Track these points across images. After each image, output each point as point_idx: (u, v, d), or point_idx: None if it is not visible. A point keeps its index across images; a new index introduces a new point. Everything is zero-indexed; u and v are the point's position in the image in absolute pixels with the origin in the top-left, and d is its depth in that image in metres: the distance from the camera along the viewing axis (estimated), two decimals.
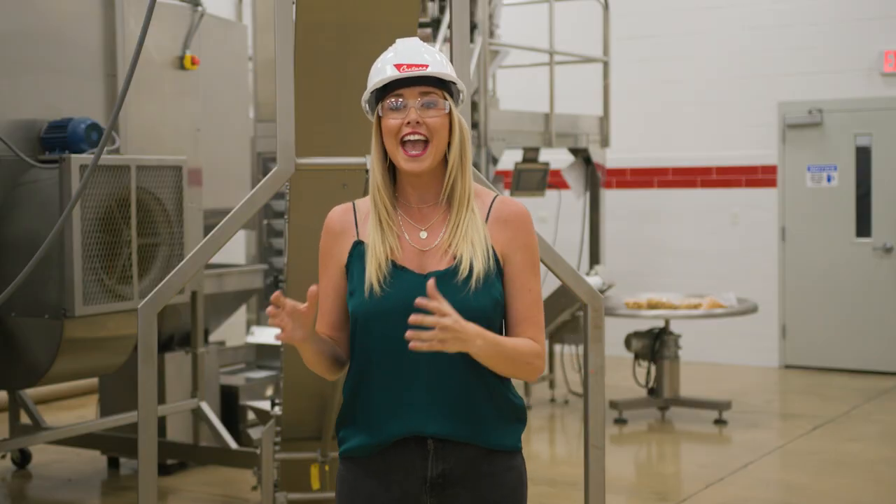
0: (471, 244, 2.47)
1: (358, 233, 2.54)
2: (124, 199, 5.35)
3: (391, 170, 2.54)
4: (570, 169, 9.35)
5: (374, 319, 2.46)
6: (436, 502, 2.50)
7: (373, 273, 2.46)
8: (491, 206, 2.55)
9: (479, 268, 2.45)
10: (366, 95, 2.54)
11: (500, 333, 2.51)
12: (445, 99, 2.49)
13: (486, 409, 2.49)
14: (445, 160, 2.52)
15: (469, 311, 2.39)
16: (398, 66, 2.46)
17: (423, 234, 2.52)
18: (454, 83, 2.53)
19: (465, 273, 2.45)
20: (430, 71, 2.46)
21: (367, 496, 2.52)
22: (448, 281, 2.44)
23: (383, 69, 2.49)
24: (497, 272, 2.49)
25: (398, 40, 2.57)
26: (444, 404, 2.46)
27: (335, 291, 2.56)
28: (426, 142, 2.46)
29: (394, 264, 2.48)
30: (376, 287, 2.45)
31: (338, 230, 2.56)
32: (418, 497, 2.50)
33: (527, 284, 2.52)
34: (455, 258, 2.47)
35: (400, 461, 2.49)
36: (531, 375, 2.51)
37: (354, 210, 2.58)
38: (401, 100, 2.47)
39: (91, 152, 5.29)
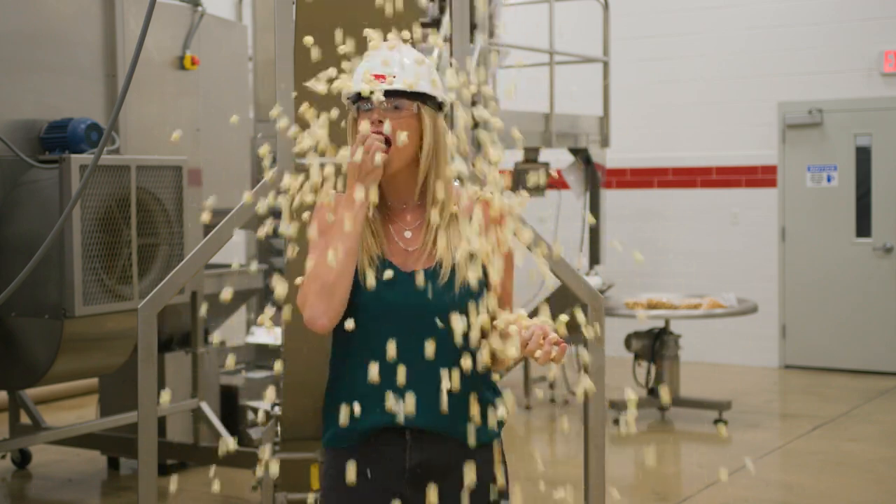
0: (453, 245, 2.53)
1: None
2: (124, 199, 5.35)
3: None
4: (570, 169, 9.35)
5: (360, 315, 2.51)
6: (415, 493, 2.55)
7: (363, 269, 2.51)
8: (474, 206, 2.59)
9: (462, 268, 2.51)
10: (344, 96, 2.61)
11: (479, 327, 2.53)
12: (415, 102, 2.52)
13: (465, 403, 2.53)
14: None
15: (454, 310, 2.47)
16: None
17: (408, 234, 2.58)
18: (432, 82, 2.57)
19: (449, 273, 2.51)
20: (395, 85, 2.50)
21: (349, 486, 2.56)
22: (433, 280, 2.51)
23: (358, 76, 2.55)
24: (481, 271, 2.54)
25: (380, 44, 2.61)
26: (424, 397, 2.49)
27: None
28: (389, 143, 2.49)
29: (382, 261, 2.52)
30: (371, 281, 2.50)
31: (331, 217, 2.58)
32: (397, 487, 2.56)
33: (508, 279, 2.60)
34: (438, 258, 2.53)
35: (379, 452, 2.55)
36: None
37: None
38: (369, 103, 2.52)
39: (91, 152, 5.29)
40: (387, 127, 2.49)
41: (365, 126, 2.50)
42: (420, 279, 2.51)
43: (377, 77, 2.51)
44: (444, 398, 2.46)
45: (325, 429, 2.63)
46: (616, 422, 7.88)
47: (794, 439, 7.47)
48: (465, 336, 2.48)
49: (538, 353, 2.34)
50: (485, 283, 2.54)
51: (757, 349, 10.16)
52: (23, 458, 6.83)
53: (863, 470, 6.70)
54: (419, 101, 2.53)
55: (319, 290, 2.47)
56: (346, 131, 2.61)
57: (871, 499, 6.19)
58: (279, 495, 4.60)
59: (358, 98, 2.55)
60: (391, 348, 2.47)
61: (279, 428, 4.57)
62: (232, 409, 6.91)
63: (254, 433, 6.77)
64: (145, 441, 3.45)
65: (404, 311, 2.51)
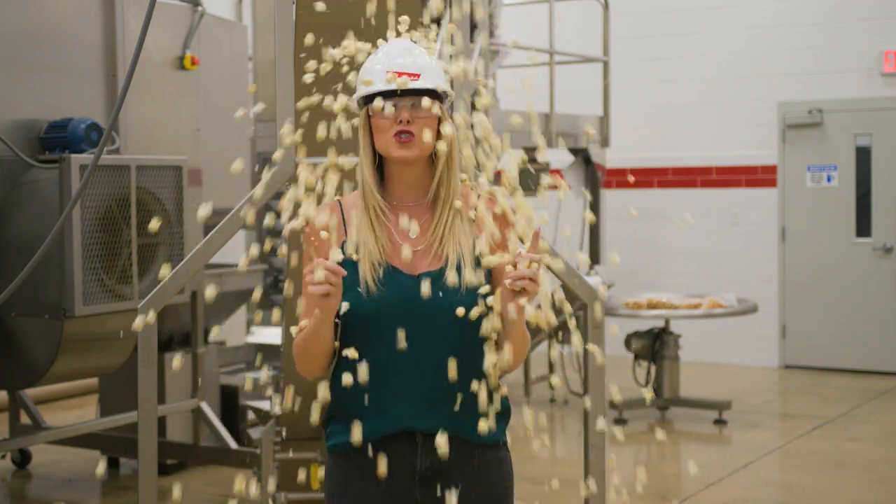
0: (458, 245, 2.52)
1: (346, 232, 2.57)
2: (124, 199, 5.35)
3: (380, 170, 2.58)
4: (570, 169, 9.34)
5: (367, 320, 2.49)
6: (425, 495, 2.54)
7: (367, 273, 2.49)
8: (477, 205, 2.58)
9: (468, 269, 2.50)
10: (356, 96, 2.58)
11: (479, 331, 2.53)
12: (435, 100, 2.53)
13: (473, 405, 2.52)
14: (433, 161, 2.56)
15: (461, 311, 2.46)
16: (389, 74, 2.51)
17: (413, 235, 2.54)
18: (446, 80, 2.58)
19: (455, 274, 2.49)
20: (420, 84, 2.51)
21: (357, 490, 2.55)
22: (439, 282, 2.49)
23: (374, 74, 2.53)
24: (486, 271, 2.53)
25: (390, 41, 2.62)
26: (433, 400, 2.49)
27: None
28: (414, 135, 2.50)
29: (387, 264, 2.51)
30: (372, 287, 2.48)
31: (325, 228, 2.58)
32: (408, 490, 2.54)
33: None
34: (444, 259, 2.51)
35: (389, 455, 2.51)
36: (524, 354, 2.58)
37: (341, 208, 2.61)
38: (388, 102, 2.51)
39: (91, 152, 5.29)
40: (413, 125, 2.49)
41: (385, 122, 2.49)
42: (426, 282, 2.48)
43: (402, 75, 2.50)
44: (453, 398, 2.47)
45: (330, 432, 2.60)
46: (616, 421, 7.89)
47: (794, 439, 7.47)
48: (473, 336, 2.48)
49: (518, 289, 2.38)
50: (490, 280, 2.53)
51: (757, 349, 10.16)
52: (23, 458, 6.83)
53: (863, 470, 6.70)
54: (438, 99, 2.54)
55: (298, 359, 2.56)
56: (360, 132, 2.58)
57: (871, 499, 6.19)
58: (279, 495, 4.60)
59: (373, 97, 2.52)
60: (399, 352, 2.47)
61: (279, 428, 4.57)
62: (232, 409, 6.90)
63: (254, 433, 6.77)
64: (145, 441, 3.45)
65: (411, 314, 2.48)
